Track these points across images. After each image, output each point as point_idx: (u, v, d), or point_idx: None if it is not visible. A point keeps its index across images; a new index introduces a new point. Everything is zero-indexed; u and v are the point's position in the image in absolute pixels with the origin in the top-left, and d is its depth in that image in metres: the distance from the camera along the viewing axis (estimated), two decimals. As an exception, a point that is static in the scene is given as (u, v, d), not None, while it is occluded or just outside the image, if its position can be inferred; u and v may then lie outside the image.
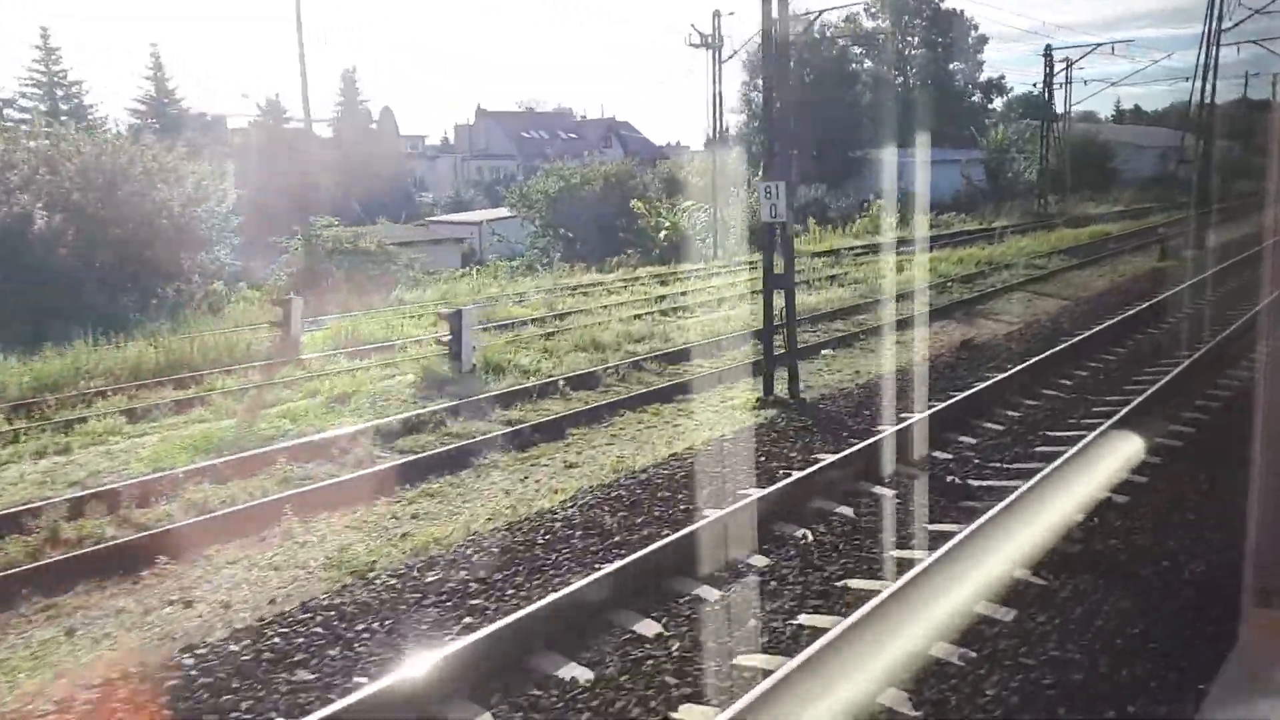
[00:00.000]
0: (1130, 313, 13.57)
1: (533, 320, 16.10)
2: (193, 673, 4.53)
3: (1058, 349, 10.93)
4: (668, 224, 27.30)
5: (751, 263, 25.25)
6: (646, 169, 33.95)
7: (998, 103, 69.87)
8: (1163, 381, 8.91)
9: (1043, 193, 40.76)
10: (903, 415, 8.67)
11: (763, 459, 7.65)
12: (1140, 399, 8.30)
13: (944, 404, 8.56)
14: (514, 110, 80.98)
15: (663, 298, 18.62)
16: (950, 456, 7.55)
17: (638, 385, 11.01)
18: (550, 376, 11.25)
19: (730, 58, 32.06)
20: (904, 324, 14.41)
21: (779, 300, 10.56)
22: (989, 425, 8.38)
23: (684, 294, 19.26)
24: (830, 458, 7.08)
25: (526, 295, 19.74)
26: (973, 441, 7.97)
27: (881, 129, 56.69)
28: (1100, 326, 12.56)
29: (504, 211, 35.29)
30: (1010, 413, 8.75)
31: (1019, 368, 9.92)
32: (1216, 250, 23.02)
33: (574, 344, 13.38)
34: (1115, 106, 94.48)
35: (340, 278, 20.28)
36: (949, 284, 18.91)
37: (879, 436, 7.58)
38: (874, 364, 11.63)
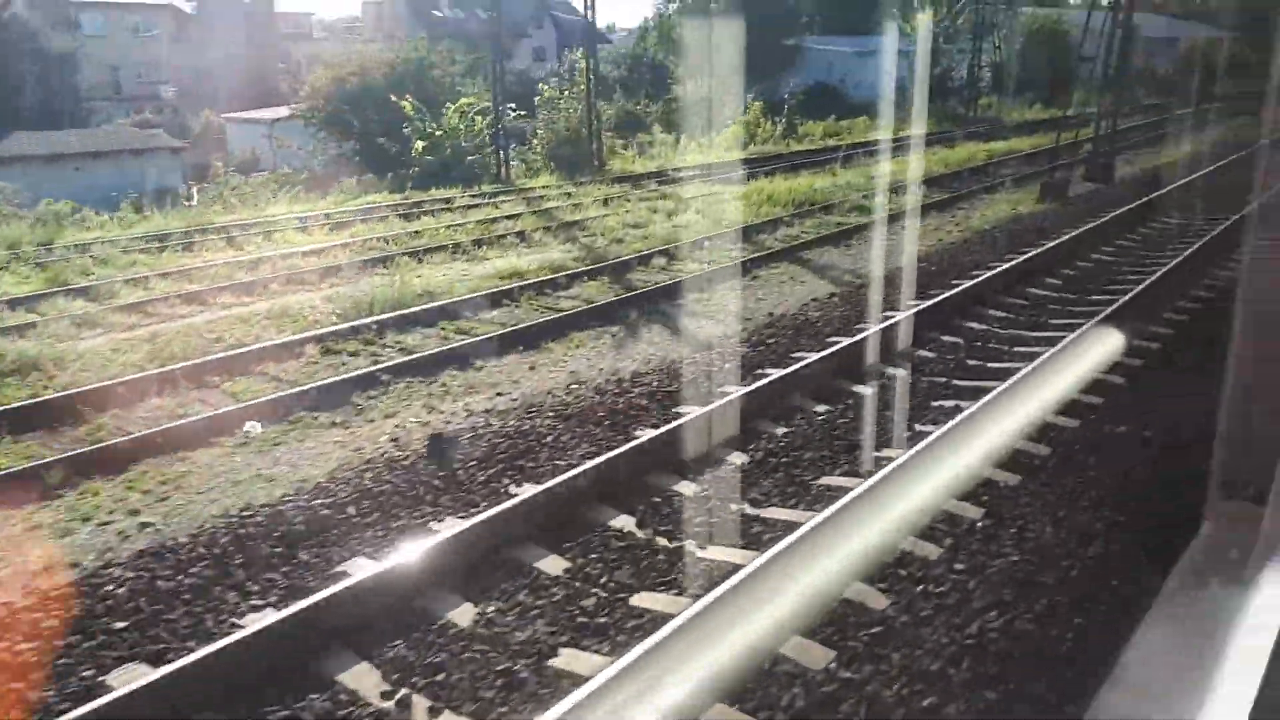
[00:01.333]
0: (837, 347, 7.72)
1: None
2: None
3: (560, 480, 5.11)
4: (435, 131, 20.68)
5: (528, 192, 19.16)
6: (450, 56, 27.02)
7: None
8: None
9: (973, 94, 33.99)
10: None
11: None
12: None
13: None
14: (431, -14, 72.12)
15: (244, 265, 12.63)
16: None
17: None
18: None
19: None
20: (493, 347, 8.52)
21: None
22: None
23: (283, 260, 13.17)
24: None
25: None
26: None
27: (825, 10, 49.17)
28: (730, 394, 6.72)
29: (284, 111, 28.54)
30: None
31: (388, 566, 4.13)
32: (1130, 186, 17.02)
33: None
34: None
35: None
36: (705, 241, 12.96)
37: None
38: (272, 477, 5.85)
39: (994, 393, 6.28)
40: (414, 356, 8.12)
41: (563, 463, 5.63)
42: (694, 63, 38.75)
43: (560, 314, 9.50)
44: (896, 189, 16.86)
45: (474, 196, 18.26)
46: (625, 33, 68.56)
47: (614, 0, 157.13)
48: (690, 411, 6.37)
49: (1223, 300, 8.71)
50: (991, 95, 37.86)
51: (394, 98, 20.98)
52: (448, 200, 17.75)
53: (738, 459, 5.74)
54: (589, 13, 21.47)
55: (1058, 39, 43.37)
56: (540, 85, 23.67)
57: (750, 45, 48.90)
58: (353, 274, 11.58)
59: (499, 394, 7.27)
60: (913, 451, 5.37)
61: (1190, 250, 10.27)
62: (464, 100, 21.08)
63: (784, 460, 5.71)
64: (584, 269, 11.54)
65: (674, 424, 6.02)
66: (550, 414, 6.59)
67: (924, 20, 37.18)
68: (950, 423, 5.78)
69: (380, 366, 7.82)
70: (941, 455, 5.46)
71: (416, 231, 14.18)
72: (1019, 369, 6.80)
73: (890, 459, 5.42)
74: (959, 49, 37.87)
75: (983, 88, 38.25)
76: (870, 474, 5.22)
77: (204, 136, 36.89)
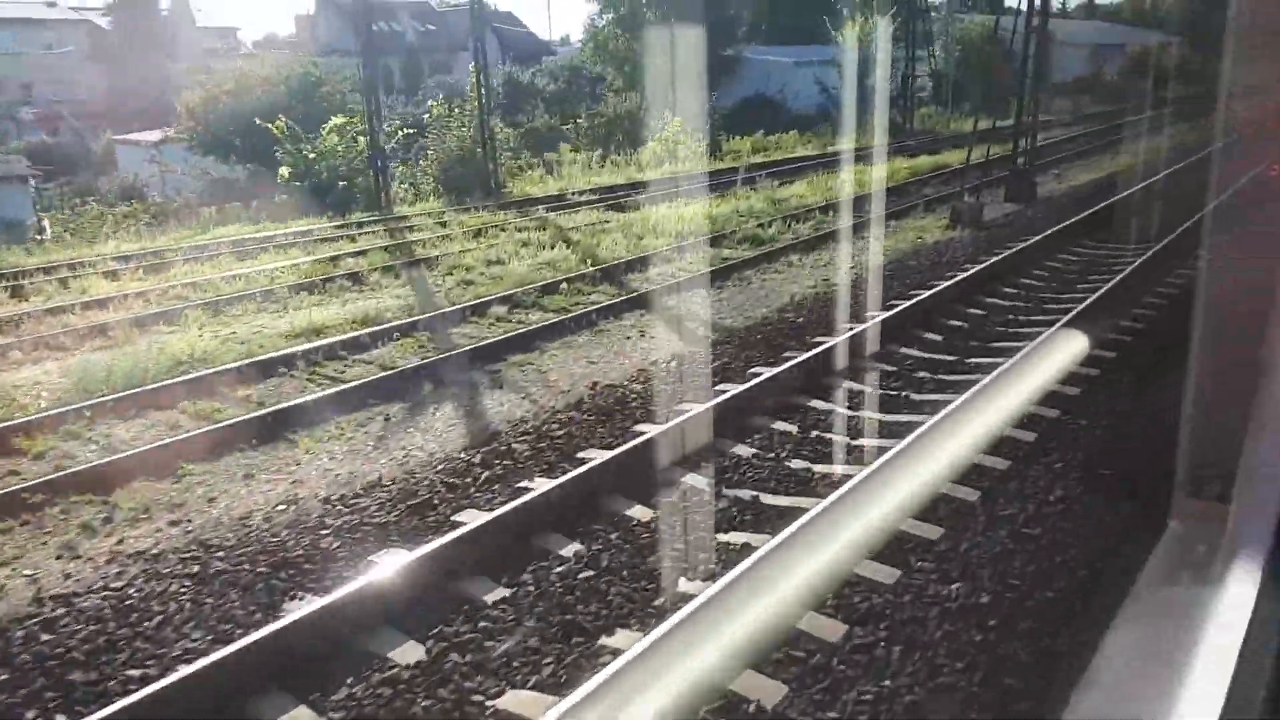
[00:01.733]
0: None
1: None
2: None
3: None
4: (309, 153, 18.79)
5: (402, 221, 17.40)
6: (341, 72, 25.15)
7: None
8: None
9: (908, 105, 32.64)
10: None
11: None
12: None
13: None
14: (366, -1, 69.72)
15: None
16: None
17: None
18: None
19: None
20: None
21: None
22: None
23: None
24: None
25: None
26: None
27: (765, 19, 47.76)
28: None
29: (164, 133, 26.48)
30: None
31: None
32: (1056, 206, 15.58)
33: None
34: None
35: None
36: (563, 284, 11.22)
37: None
38: None
39: (816, 509, 4.64)
40: (107, 460, 6.32)
41: (137, 672, 3.87)
42: (626, 75, 37.19)
43: (339, 387, 7.76)
44: (799, 215, 15.27)
45: (338, 227, 16.42)
46: (578, 44, 66.88)
47: (572, 12, 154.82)
48: (396, 556, 4.66)
49: (1126, 369, 7.13)
50: (930, 105, 36.63)
51: (258, 120, 19.06)
52: (305, 232, 15.92)
53: (408, 657, 4.00)
54: (472, 19, 19.79)
55: (998, 47, 42.26)
56: (430, 102, 21.89)
57: (687, 56, 47.38)
58: (125, 334, 9.72)
59: (174, 523, 5.50)
60: (689, 609, 3.69)
61: (1096, 296, 8.70)
62: (337, 119, 19.22)
63: (477, 654, 3.98)
64: (404, 321, 9.80)
65: (355, 585, 4.29)
66: (201, 565, 4.83)
67: (883, 26, 35.66)
68: (748, 560, 4.11)
69: (46, 478, 6.02)
70: (729, 610, 3.80)
71: (238, 275, 12.33)
72: (854, 473, 5.17)
73: (661, 622, 3.74)
74: (893, 59, 36.51)
75: (923, 97, 37.01)
76: (615, 655, 3.52)
77: (103, 159, 34.71)
